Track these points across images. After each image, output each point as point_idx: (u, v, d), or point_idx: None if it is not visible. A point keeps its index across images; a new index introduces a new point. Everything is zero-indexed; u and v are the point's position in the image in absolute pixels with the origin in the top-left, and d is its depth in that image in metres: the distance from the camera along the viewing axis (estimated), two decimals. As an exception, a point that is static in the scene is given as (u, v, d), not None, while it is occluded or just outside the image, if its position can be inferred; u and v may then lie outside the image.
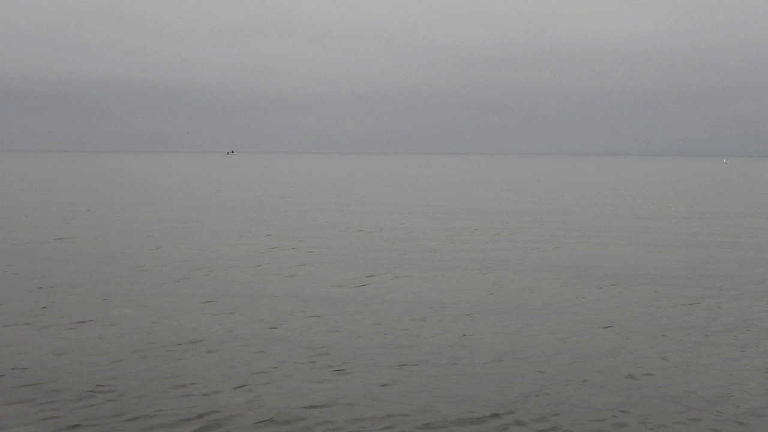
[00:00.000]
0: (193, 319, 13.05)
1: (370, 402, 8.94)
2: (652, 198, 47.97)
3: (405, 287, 16.11)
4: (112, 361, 10.57)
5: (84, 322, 12.85)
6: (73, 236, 24.83)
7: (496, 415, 8.53)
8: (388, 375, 9.98)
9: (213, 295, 15.22)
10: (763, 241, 24.89)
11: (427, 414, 8.57)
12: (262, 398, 9.08)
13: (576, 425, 8.25)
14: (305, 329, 12.39)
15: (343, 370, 10.18)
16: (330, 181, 70.67)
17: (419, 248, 22.30)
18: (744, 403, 8.98)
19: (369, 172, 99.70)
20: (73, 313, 13.50)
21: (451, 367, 10.34)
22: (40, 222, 29.47)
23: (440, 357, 10.83)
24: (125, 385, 9.55)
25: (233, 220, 30.98)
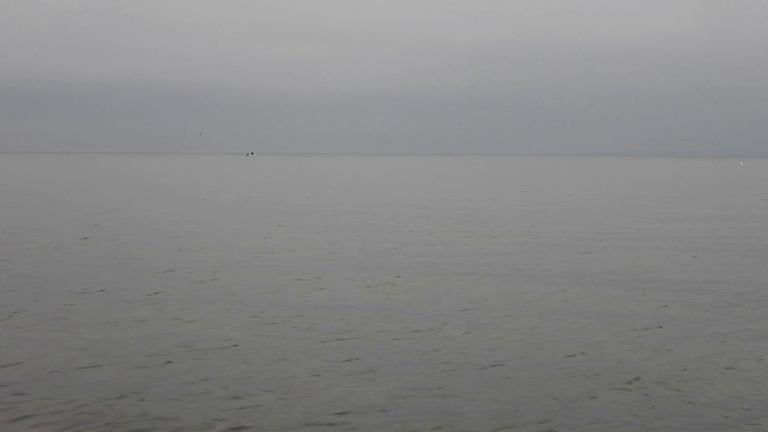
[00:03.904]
0: (222, 322, 12.91)
1: (404, 408, 8.75)
2: (674, 200, 47.53)
3: (434, 290, 15.92)
4: (142, 363, 10.46)
5: (114, 324, 12.75)
6: (99, 238, 24.79)
7: (542, 422, 8.32)
8: (422, 380, 9.79)
9: (241, 297, 15.09)
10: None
11: (465, 420, 8.38)
12: (291, 403, 8.91)
13: (627, 430, 8.04)
14: (335, 332, 12.22)
15: (374, 375, 9.99)
16: (349, 182, 70.57)
17: (445, 251, 22.10)
18: (793, 409, 8.74)
19: (386, 173, 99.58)
20: (101, 315, 13.41)
21: (487, 372, 10.13)
22: (67, 224, 29.48)
23: (476, 361, 10.63)
24: (155, 386, 9.44)
25: (257, 222, 30.89)
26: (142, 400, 8.97)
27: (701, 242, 24.81)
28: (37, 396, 9.11)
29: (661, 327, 12.68)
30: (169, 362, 10.49)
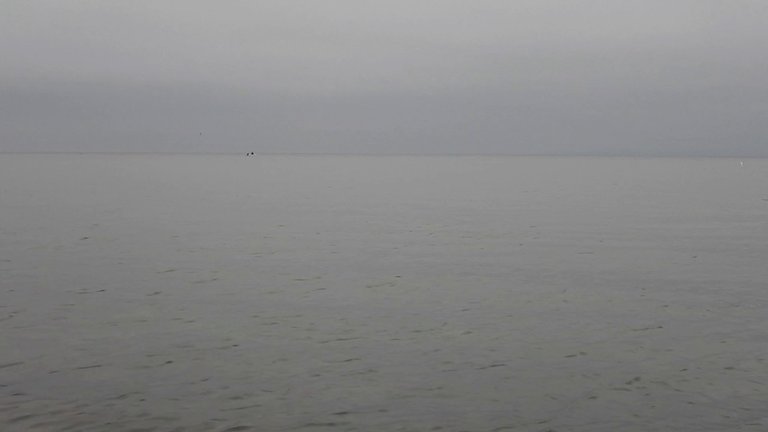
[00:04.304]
0: (222, 322, 12.91)
1: (404, 408, 8.74)
2: (674, 200, 47.53)
3: (434, 290, 15.92)
4: (142, 363, 10.45)
5: (114, 324, 12.75)
6: (99, 238, 24.80)
7: (542, 422, 8.31)
8: (422, 380, 9.78)
9: (241, 297, 15.09)
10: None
11: (465, 420, 8.37)
12: (291, 403, 8.90)
13: (627, 430, 8.03)
14: (335, 332, 12.21)
15: (374, 375, 9.98)
16: (349, 182, 70.56)
17: (445, 251, 22.10)
18: (793, 409, 8.73)
19: (386, 173, 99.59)
20: (102, 315, 13.41)
21: (487, 372, 10.13)
22: (67, 224, 29.48)
23: (476, 361, 10.62)
24: (155, 386, 9.43)
25: (257, 222, 30.89)
26: (142, 400, 8.97)
27: (701, 242, 24.80)
28: (37, 396, 9.10)
29: (661, 327, 12.68)
30: (169, 362, 10.48)
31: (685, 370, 10.23)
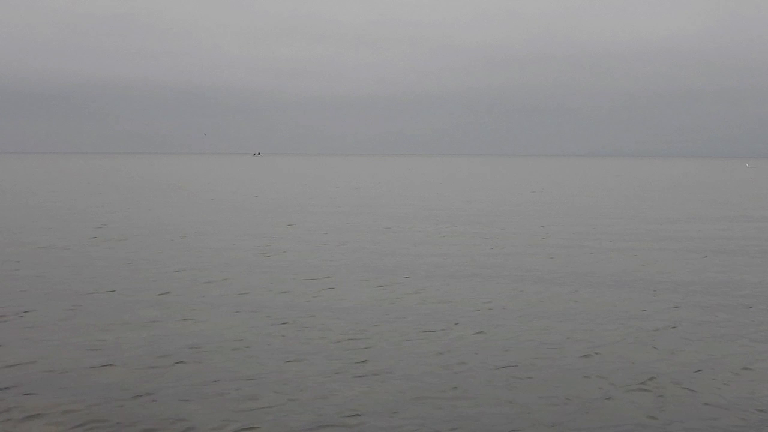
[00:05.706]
0: (232, 323, 12.86)
1: (417, 410, 8.68)
2: (683, 200, 47.36)
3: (444, 290, 15.85)
4: (152, 364, 10.42)
5: (124, 324, 12.72)
6: (108, 238, 24.78)
7: (557, 424, 8.24)
8: (435, 381, 9.72)
9: (250, 298, 15.04)
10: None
11: (478, 422, 8.30)
12: (303, 404, 8.86)
13: (640, 433, 7.96)
14: (346, 333, 12.16)
15: (387, 376, 9.92)
16: (357, 183, 70.49)
17: (454, 251, 22.03)
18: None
19: (394, 174, 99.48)
20: (111, 316, 13.38)
21: (500, 373, 10.06)
22: (75, 224, 29.49)
23: (489, 362, 10.55)
24: (166, 387, 9.40)
25: (265, 222, 30.86)
26: (153, 400, 8.93)
27: (711, 243, 24.68)
28: (48, 395, 9.08)
29: (674, 328, 12.60)
30: (180, 363, 10.44)
31: (699, 371, 10.15)
